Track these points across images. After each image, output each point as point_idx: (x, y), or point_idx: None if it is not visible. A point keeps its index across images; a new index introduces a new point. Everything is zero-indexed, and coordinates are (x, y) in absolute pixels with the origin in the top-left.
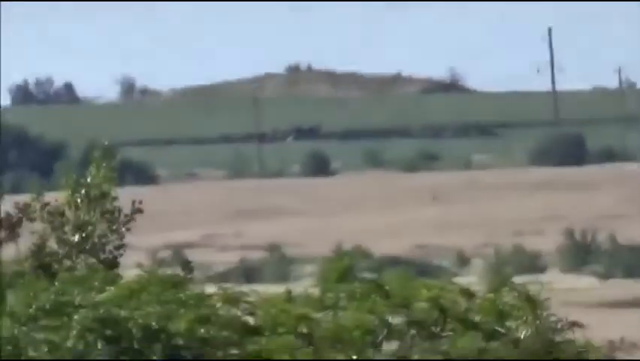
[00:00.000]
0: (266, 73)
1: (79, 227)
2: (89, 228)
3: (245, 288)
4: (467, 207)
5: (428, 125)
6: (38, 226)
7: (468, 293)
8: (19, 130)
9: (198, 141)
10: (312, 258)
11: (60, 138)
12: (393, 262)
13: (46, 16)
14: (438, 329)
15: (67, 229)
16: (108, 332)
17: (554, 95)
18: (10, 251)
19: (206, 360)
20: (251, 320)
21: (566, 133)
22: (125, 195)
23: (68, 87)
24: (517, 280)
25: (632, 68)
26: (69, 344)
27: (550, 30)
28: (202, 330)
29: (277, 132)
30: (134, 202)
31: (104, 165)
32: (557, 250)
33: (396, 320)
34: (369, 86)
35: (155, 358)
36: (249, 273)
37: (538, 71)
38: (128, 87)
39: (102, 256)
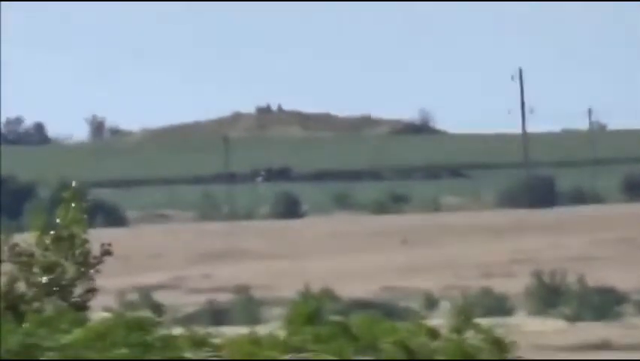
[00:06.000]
0: (236, 113)
1: (48, 269)
2: (58, 269)
3: (213, 330)
4: (436, 250)
5: (398, 166)
6: (7, 267)
7: (434, 333)
8: None
9: (168, 181)
10: (280, 300)
11: (30, 178)
12: (362, 304)
13: (17, 55)
14: None
15: (35, 270)
16: None
17: (524, 136)
18: None
19: None
20: None
21: (536, 175)
22: (94, 237)
23: (38, 127)
24: (485, 322)
25: (603, 110)
26: None
27: (520, 71)
28: None
29: (247, 173)
30: (103, 244)
31: (74, 206)
32: (526, 293)
33: None
34: (339, 127)
35: None
36: (217, 315)
37: (508, 112)
38: (98, 127)
39: (72, 299)
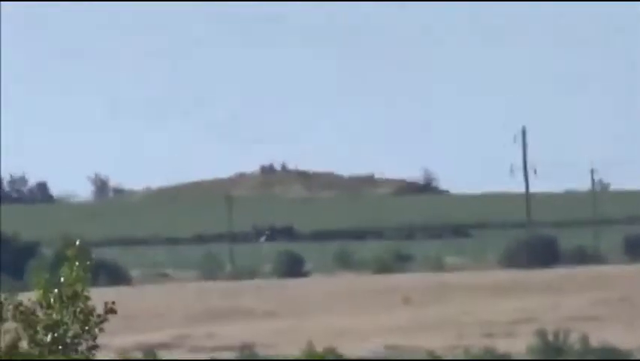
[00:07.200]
0: (240, 172)
1: (51, 327)
2: (62, 328)
3: None
4: (439, 309)
5: (401, 226)
6: (10, 325)
7: None
8: None
9: (171, 240)
10: (284, 359)
11: (33, 237)
12: None
13: (19, 113)
14: None
15: (39, 328)
16: None
17: (527, 196)
18: None
19: None
20: None
21: (539, 235)
22: (97, 296)
23: (42, 186)
24: None
25: (605, 170)
26: None
27: (524, 130)
28: None
29: (250, 232)
30: (106, 303)
31: (77, 264)
32: (528, 352)
33: None
34: (343, 186)
35: None
36: None
37: (511, 172)
38: (102, 186)
39: (74, 357)
